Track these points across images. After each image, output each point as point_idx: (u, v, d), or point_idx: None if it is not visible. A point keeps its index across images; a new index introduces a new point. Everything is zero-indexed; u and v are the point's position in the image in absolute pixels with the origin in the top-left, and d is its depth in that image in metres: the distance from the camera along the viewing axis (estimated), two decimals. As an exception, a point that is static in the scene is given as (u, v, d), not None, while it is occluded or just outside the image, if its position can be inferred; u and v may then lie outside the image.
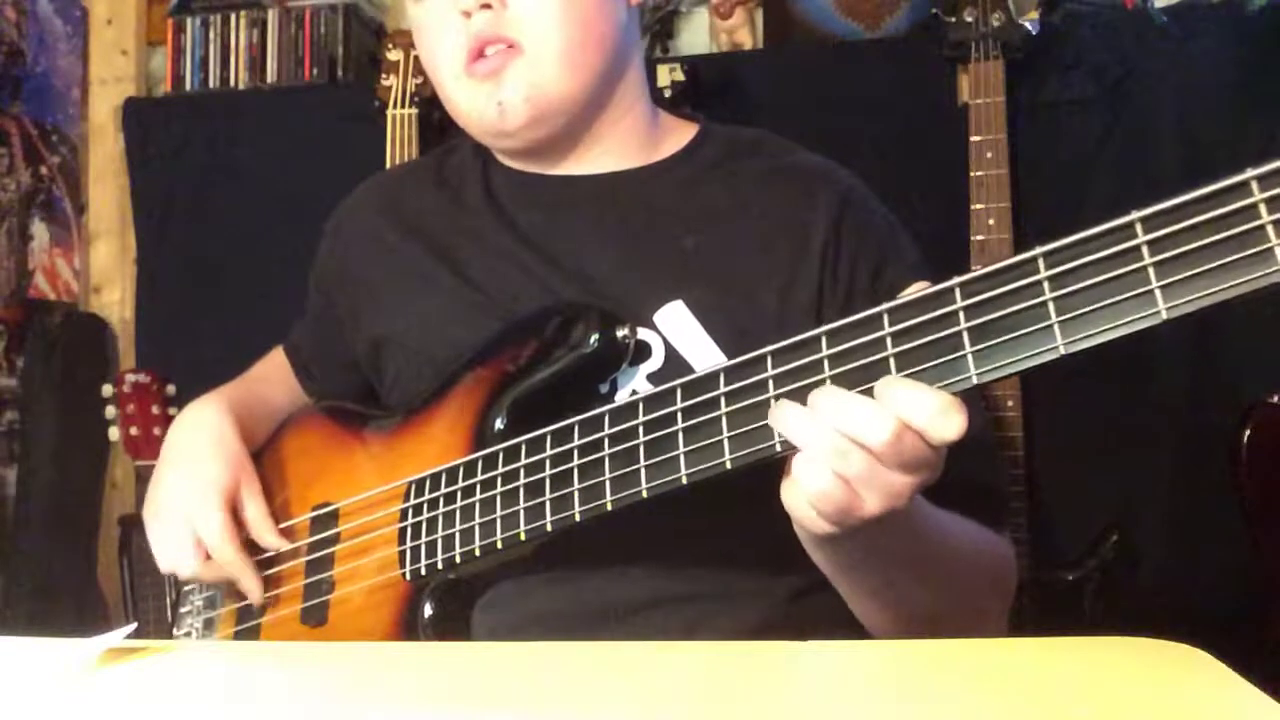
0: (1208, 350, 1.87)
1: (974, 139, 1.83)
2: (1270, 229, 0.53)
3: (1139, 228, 0.57)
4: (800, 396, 0.67)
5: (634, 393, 0.87)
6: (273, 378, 1.16)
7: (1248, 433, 1.71)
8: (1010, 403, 1.80)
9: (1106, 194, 1.93)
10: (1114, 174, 1.94)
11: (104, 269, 2.52)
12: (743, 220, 0.95)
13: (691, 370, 0.87)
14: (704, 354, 0.89)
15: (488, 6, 0.91)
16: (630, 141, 1.00)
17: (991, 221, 1.79)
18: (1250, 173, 0.54)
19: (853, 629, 0.92)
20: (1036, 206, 1.89)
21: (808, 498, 0.66)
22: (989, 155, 1.82)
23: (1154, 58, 1.95)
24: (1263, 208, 0.53)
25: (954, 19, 1.89)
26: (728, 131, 1.04)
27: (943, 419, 0.62)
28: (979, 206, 1.80)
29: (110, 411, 2.16)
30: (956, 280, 0.62)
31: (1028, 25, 1.87)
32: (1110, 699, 0.51)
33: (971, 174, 1.82)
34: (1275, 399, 1.73)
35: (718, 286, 0.91)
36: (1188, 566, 1.87)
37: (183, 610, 1.07)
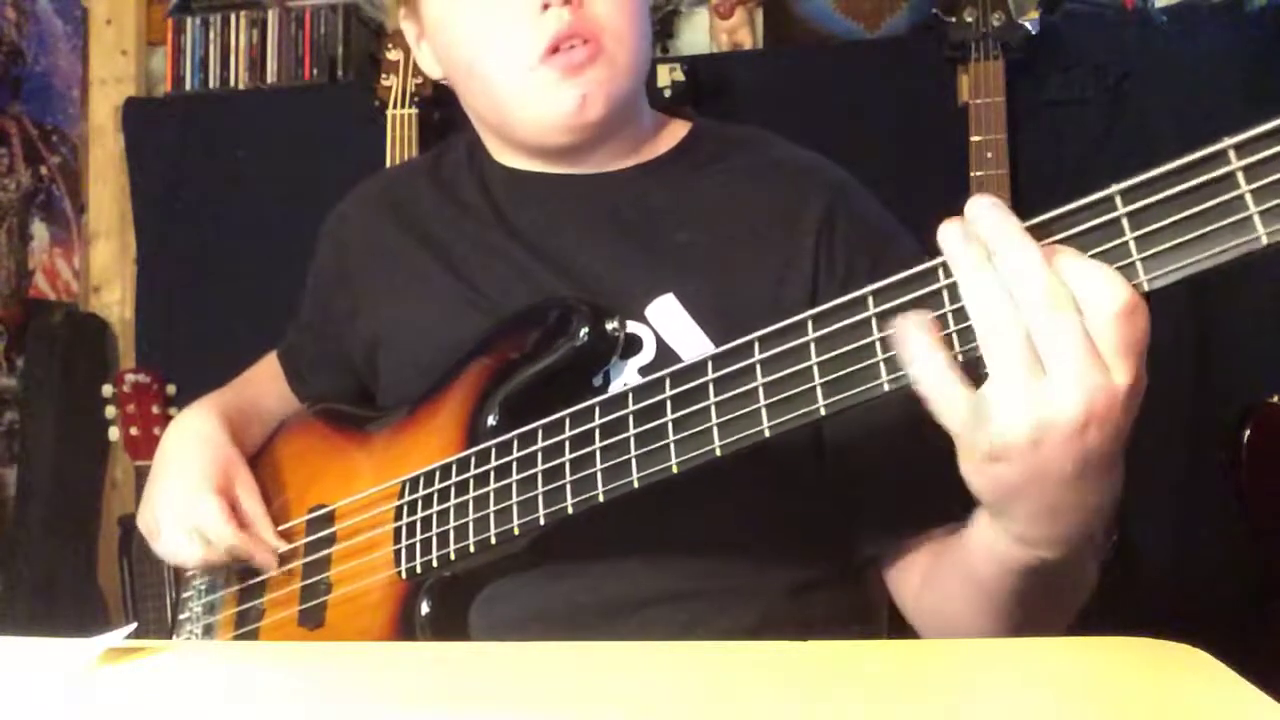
0: (1208, 350, 1.88)
1: (974, 139, 1.84)
2: (1248, 197, 0.53)
3: (1118, 200, 0.57)
4: (788, 382, 0.66)
5: (626, 386, 0.87)
6: (265, 384, 1.16)
7: (1248, 433, 1.71)
8: (1010, 403, 1.80)
9: (1106, 194, 1.93)
10: (1114, 174, 1.91)
11: (104, 269, 2.52)
12: (735, 215, 0.95)
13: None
14: (695, 347, 0.88)
15: (568, 2, 0.90)
16: (627, 141, 1.00)
17: (991, 221, 1.78)
18: (1227, 141, 0.54)
19: (852, 626, 0.92)
20: (1036, 206, 1.89)
21: (1065, 415, 0.57)
22: (989, 155, 1.82)
23: (1154, 58, 1.95)
24: (1240, 175, 0.53)
25: (954, 19, 1.89)
26: (720, 128, 1.05)
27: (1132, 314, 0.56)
28: (979, 206, 1.80)
29: (110, 411, 2.17)
30: (940, 260, 0.62)
31: (1028, 25, 1.87)
32: (1110, 699, 0.51)
33: (971, 174, 1.82)
34: (1275, 399, 1.73)
35: (709, 280, 0.92)
36: (1188, 566, 1.87)
37: (181, 616, 1.08)
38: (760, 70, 2.18)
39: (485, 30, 0.93)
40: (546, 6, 0.89)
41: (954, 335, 0.61)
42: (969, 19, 1.88)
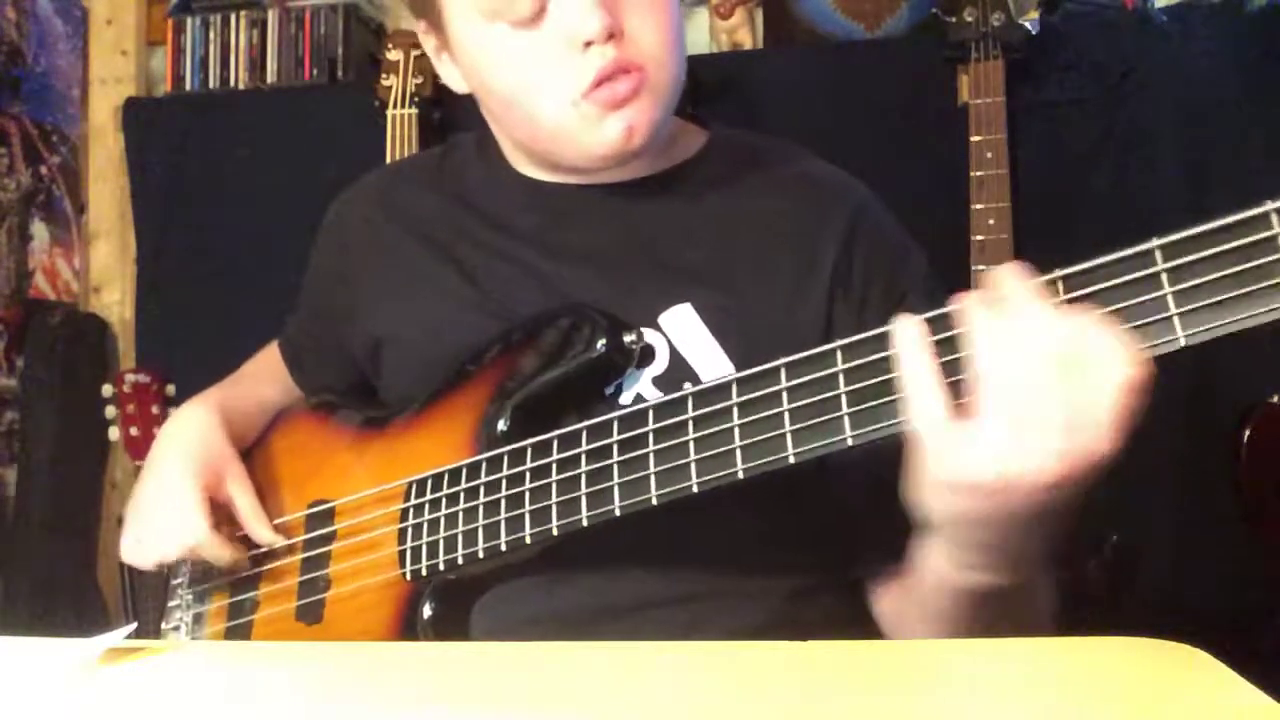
0: (1208, 350, 1.87)
1: (974, 139, 1.83)
2: None
3: (1158, 255, 0.57)
4: (814, 410, 0.67)
5: (638, 396, 0.87)
6: (266, 374, 1.16)
7: (1248, 433, 1.71)
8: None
9: (1106, 194, 1.93)
10: (1113, 174, 1.94)
11: (104, 269, 2.52)
12: (751, 230, 0.95)
13: (695, 374, 0.87)
14: (709, 358, 0.88)
15: (613, 37, 0.88)
16: (647, 152, 0.99)
17: (991, 221, 1.78)
18: (1270, 205, 0.55)
19: (852, 629, 0.92)
20: (1036, 206, 1.89)
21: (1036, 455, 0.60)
22: (989, 155, 1.82)
23: (1154, 58, 1.95)
24: None
25: (954, 19, 1.89)
26: (737, 139, 1.03)
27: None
28: (979, 206, 1.80)
29: (110, 411, 2.17)
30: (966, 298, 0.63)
31: (1028, 25, 1.87)
32: (1110, 699, 0.51)
33: (971, 174, 1.82)
34: (1275, 399, 1.73)
35: (725, 292, 0.91)
36: (1188, 567, 1.87)
37: (171, 604, 1.07)
38: (760, 70, 2.17)
39: (526, 65, 0.90)
40: (589, 44, 0.87)
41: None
42: (969, 19, 1.87)
